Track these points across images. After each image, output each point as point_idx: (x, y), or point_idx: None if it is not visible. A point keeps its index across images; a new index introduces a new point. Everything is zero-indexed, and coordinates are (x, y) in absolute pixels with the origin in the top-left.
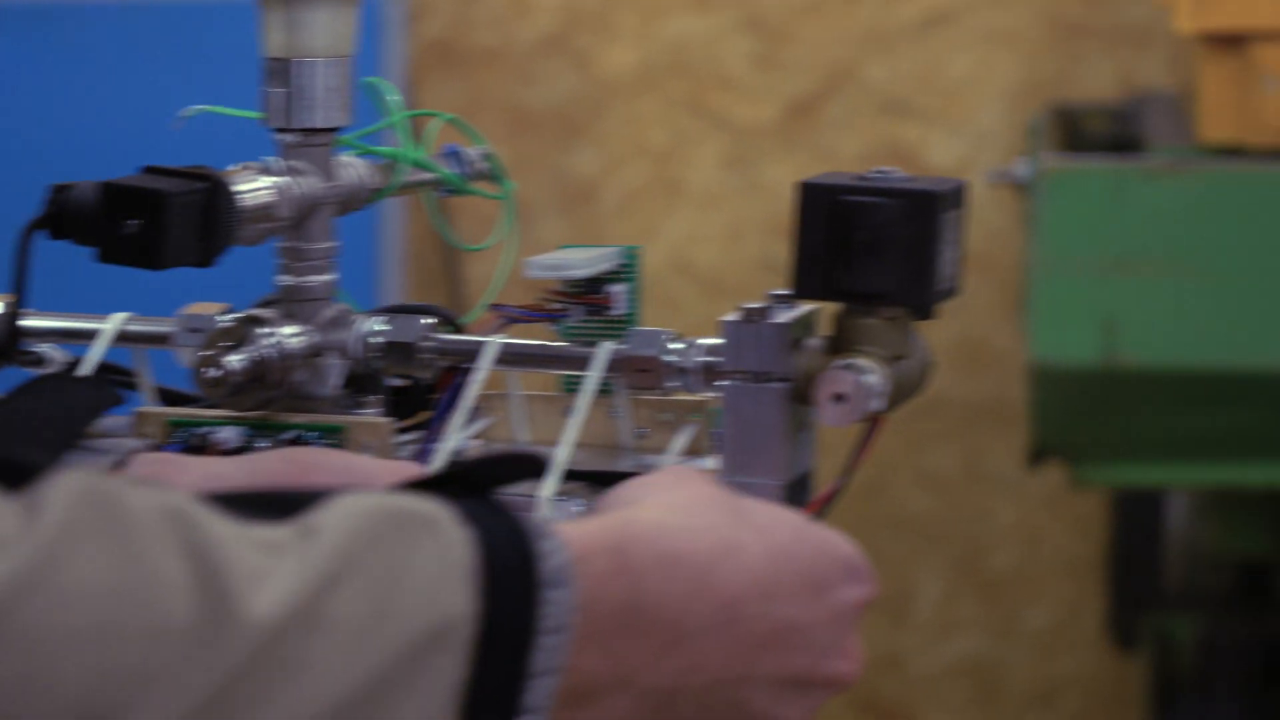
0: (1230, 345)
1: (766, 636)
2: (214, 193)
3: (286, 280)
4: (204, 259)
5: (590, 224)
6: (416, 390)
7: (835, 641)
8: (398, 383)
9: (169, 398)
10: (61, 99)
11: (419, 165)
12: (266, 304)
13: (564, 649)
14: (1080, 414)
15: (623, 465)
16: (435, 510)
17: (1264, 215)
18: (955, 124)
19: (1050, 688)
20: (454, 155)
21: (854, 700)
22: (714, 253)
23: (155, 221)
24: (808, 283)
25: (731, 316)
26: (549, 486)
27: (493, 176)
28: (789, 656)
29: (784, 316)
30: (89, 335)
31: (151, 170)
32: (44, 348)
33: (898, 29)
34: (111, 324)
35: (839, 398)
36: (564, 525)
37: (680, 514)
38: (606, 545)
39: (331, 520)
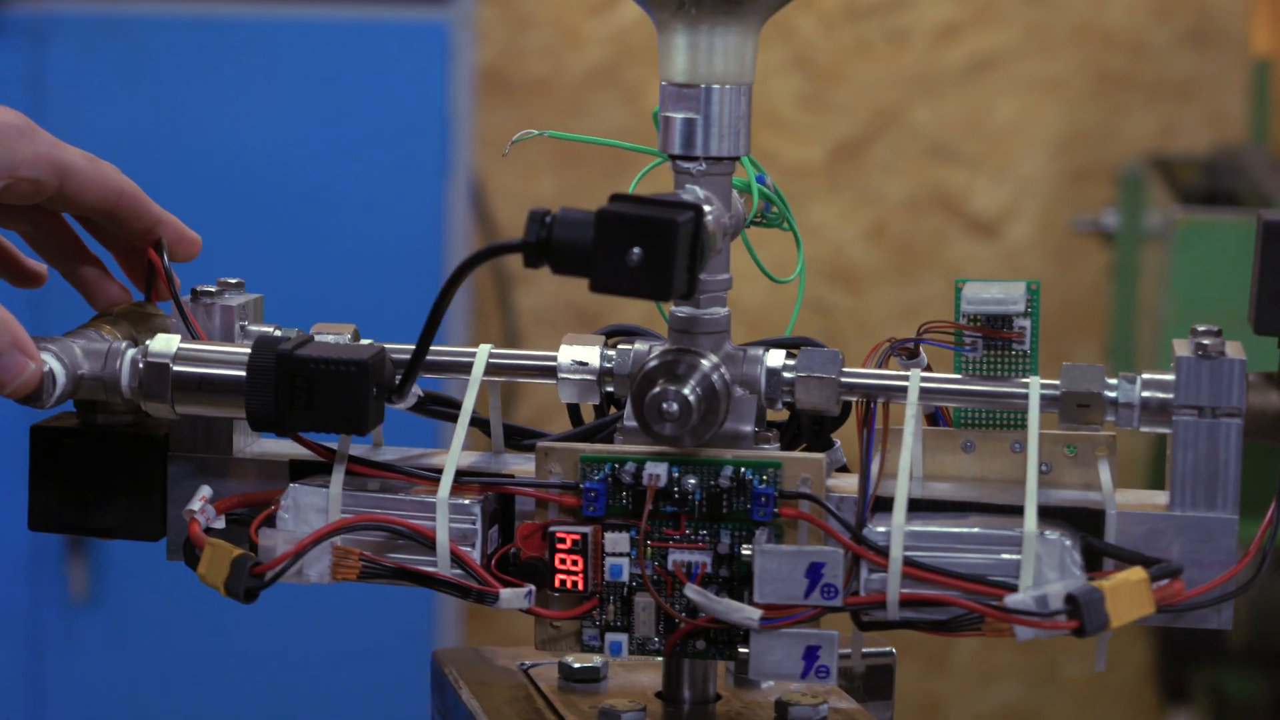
0: None
1: None
2: (698, 221)
3: (685, 311)
4: (690, 288)
5: None
6: (796, 423)
7: None
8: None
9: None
10: (128, 111)
11: (765, 197)
12: (629, 335)
13: None
14: None
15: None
16: None
17: None
18: (999, 170)
19: None
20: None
21: None
22: (760, 292)
23: (662, 250)
24: (1271, 319)
25: (1183, 352)
26: (1029, 524)
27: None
28: None
29: (1235, 353)
30: (459, 369)
31: (620, 198)
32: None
33: (944, 74)
34: (481, 356)
35: None
36: None
37: None
38: None
39: None
